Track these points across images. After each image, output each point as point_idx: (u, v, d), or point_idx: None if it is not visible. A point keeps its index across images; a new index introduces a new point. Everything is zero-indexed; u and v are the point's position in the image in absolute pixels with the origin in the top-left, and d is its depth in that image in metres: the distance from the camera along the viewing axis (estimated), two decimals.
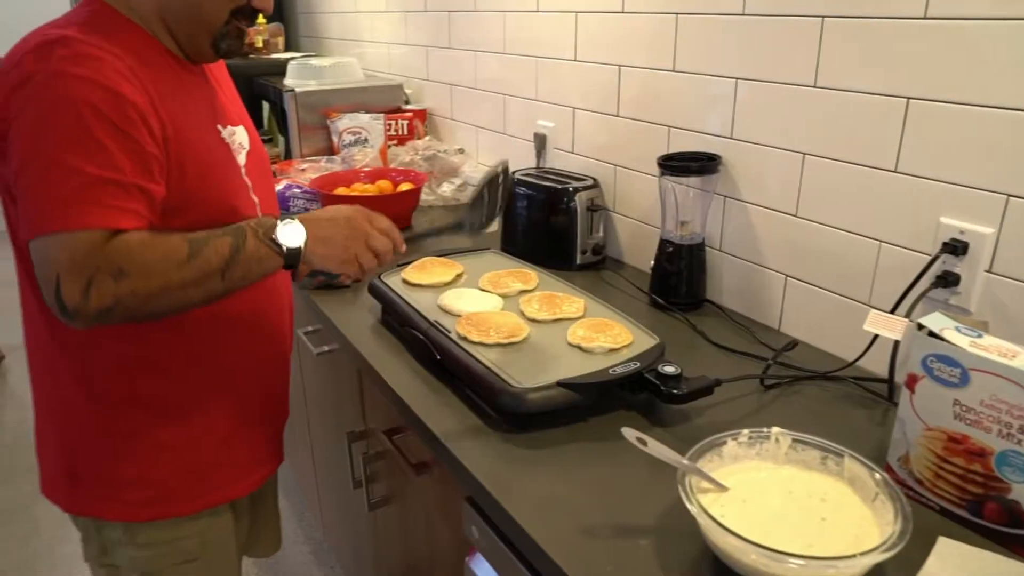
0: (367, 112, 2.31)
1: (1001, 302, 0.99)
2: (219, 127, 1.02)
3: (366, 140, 2.27)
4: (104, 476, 1.02)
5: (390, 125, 2.34)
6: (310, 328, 1.59)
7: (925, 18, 1.00)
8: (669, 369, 1.02)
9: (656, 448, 0.81)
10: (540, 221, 1.60)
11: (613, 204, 1.65)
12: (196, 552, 1.09)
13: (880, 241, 1.11)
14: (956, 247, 1.00)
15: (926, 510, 0.84)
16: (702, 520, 0.73)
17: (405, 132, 2.37)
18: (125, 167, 0.84)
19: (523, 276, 1.35)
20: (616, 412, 1.04)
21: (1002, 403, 0.75)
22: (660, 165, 1.34)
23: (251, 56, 3.08)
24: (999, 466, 0.77)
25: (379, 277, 1.34)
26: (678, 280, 1.38)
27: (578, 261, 1.59)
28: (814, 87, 1.16)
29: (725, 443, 0.83)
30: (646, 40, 1.47)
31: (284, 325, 1.18)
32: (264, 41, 3.19)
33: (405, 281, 1.33)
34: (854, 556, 0.68)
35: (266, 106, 2.67)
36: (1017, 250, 0.96)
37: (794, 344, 1.24)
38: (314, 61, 2.48)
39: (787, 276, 1.28)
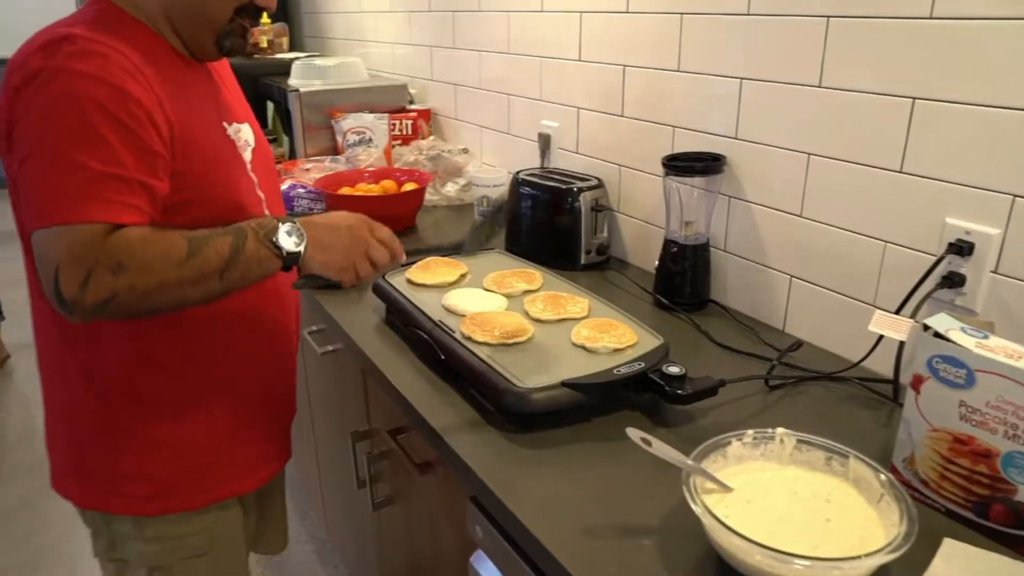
0: (371, 112, 2.31)
1: (1007, 303, 0.98)
2: (224, 124, 1.03)
3: (370, 140, 2.27)
4: (107, 471, 1.03)
5: (394, 125, 2.34)
6: (314, 327, 1.60)
7: (931, 18, 0.99)
8: (673, 369, 1.02)
9: (660, 448, 0.81)
10: (544, 221, 1.60)
11: (617, 204, 1.64)
12: (205, 547, 1.09)
13: (885, 241, 1.11)
14: (962, 247, 1.00)
15: (931, 511, 0.84)
16: (706, 520, 0.72)
17: (409, 132, 2.37)
18: (128, 163, 0.85)
19: (527, 276, 1.35)
20: (620, 412, 1.04)
21: (1008, 404, 0.75)
22: (664, 165, 1.34)
23: (256, 56, 3.08)
24: (1005, 467, 0.77)
25: (383, 277, 1.34)
26: (682, 280, 1.38)
27: (582, 261, 1.59)
28: (819, 87, 1.16)
29: (729, 443, 0.83)
30: (650, 40, 1.46)
31: (289, 324, 1.18)
32: (269, 41, 3.20)
33: (409, 281, 1.33)
34: (859, 557, 0.68)
35: (270, 106, 2.67)
36: (1023, 251, 0.96)
37: (799, 344, 1.24)
38: (318, 61, 2.49)
39: (792, 276, 1.27)
